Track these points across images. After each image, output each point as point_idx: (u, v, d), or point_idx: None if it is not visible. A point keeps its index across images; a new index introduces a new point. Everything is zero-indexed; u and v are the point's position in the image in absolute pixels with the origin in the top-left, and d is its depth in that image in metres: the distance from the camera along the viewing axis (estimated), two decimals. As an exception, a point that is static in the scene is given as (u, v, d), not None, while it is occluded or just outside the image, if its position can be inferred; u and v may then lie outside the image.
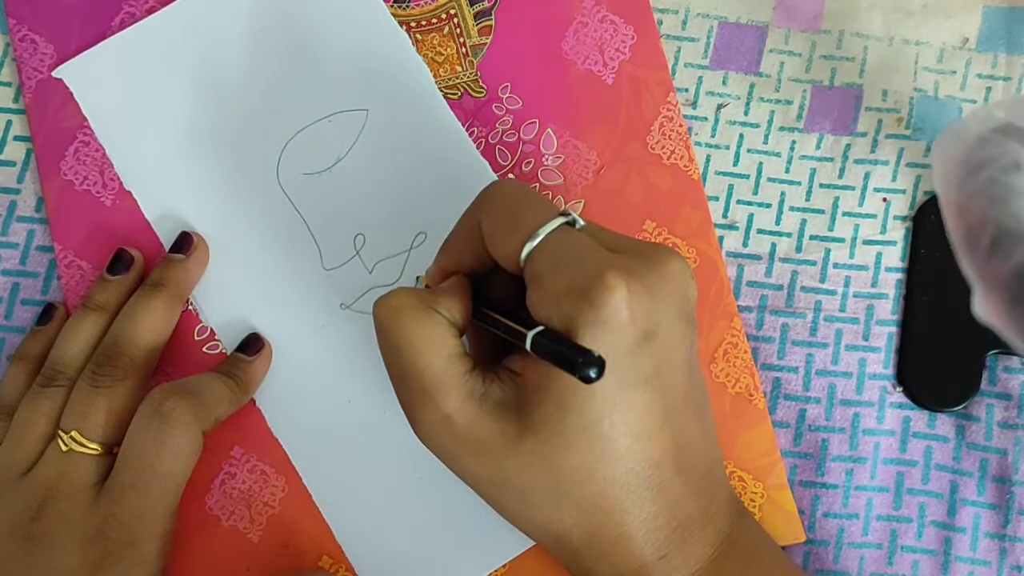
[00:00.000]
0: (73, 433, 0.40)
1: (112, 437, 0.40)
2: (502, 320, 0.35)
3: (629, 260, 0.34)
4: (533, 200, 0.36)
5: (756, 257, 0.45)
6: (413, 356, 0.35)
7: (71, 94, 0.46)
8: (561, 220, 0.35)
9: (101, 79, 0.46)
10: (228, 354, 0.44)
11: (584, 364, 0.31)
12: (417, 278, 0.42)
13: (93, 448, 0.40)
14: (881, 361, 0.44)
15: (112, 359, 0.41)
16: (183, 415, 0.39)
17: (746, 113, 0.46)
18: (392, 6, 0.47)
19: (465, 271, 0.38)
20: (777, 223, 0.45)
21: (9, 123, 0.47)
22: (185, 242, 0.44)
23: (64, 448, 0.40)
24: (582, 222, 0.36)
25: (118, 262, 0.43)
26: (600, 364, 0.31)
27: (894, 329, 0.44)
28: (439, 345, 0.35)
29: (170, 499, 0.39)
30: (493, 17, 0.47)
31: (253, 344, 0.43)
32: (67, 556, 0.38)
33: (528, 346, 0.33)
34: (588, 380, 0.31)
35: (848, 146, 0.46)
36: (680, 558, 0.36)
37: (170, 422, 0.39)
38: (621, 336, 0.33)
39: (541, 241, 0.34)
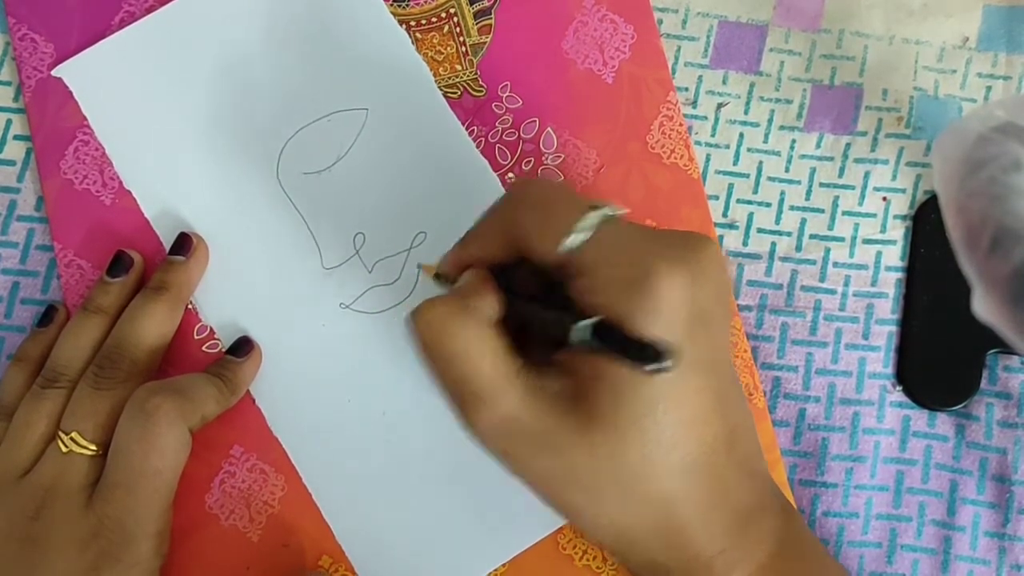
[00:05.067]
0: (73, 435, 0.40)
1: (111, 439, 0.40)
2: (550, 312, 0.35)
3: (672, 248, 0.34)
4: (570, 195, 0.37)
5: (756, 256, 0.45)
6: (462, 364, 0.34)
7: (71, 93, 0.46)
8: (605, 212, 0.35)
9: (101, 78, 0.46)
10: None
11: (660, 355, 0.31)
12: (418, 265, 0.42)
13: (93, 450, 0.40)
14: (881, 360, 0.44)
15: (115, 362, 0.41)
16: (168, 412, 0.39)
17: (746, 112, 0.46)
18: (392, 5, 0.47)
19: (483, 264, 0.38)
20: (777, 222, 0.45)
21: (9, 122, 0.47)
22: (185, 243, 0.44)
23: (64, 449, 0.40)
24: (622, 211, 0.36)
25: (118, 264, 0.43)
26: (673, 354, 0.31)
27: (894, 328, 0.44)
28: (486, 347, 0.34)
29: (161, 497, 0.39)
30: (493, 16, 0.47)
31: (243, 347, 0.43)
32: (64, 558, 0.38)
33: (589, 336, 0.33)
34: (664, 370, 0.31)
35: (848, 145, 0.46)
36: (741, 552, 0.35)
37: (155, 419, 0.39)
38: (673, 322, 0.33)
39: (589, 234, 0.34)
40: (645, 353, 0.31)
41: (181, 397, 0.40)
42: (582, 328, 0.33)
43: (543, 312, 0.35)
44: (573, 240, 0.34)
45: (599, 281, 0.34)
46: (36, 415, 0.41)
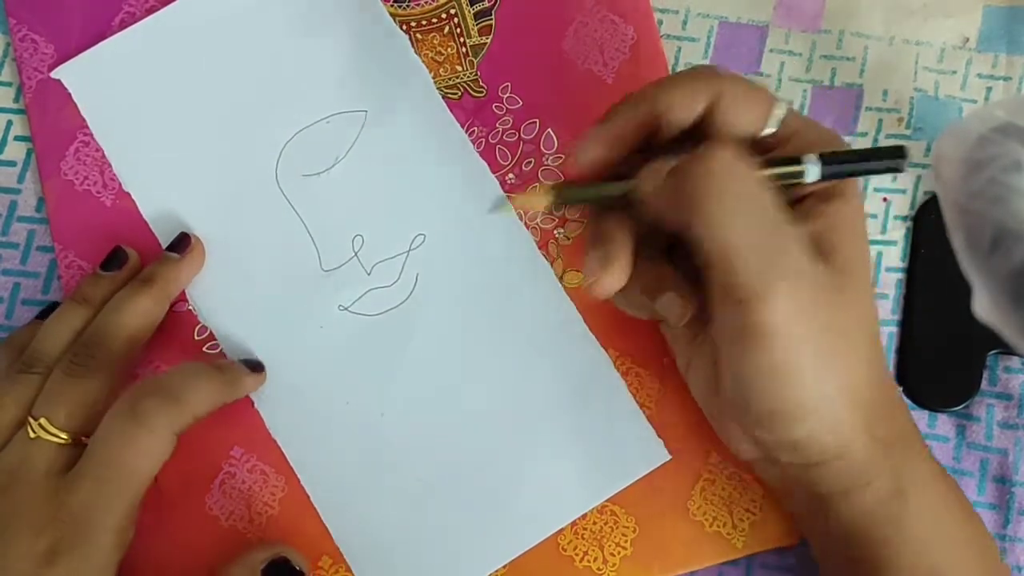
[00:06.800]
0: (42, 420, 0.39)
1: (81, 427, 0.40)
2: (777, 170, 0.36)
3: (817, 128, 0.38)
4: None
5: (756, 257, 0.45)
6: (767, 196, 0.34)
7: (71, 94, 0.46)
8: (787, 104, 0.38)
9: (100, 79, 0.46)
10: (227, 354, 0.44)
11: (900, 152, 0.35)
12: (502, 198, 0.39)
13: (60, 437, 0.39)
14: (881, 361, 0.44)
15: (90, 349, 0.41)
16: (156, 418, 0.39)
17: (746, 113, 0.46)
18: (392, 6, 0.47)
19: (638, 127, 0.38)
20: (777, 223, 0.45)
21: (10, 123, 0.47)
22: (183, 243, 0.44)
23: (31, 435, 0.39)
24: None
25: (113, 259, 0.44)
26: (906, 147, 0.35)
27: (894, 329, 0.44)
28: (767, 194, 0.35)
29: (130, 495, 0.39)
30: (493, 17, 0.47)
31: (253, 363, 0.43)
32: (20, 541, 0.37)
33: (813, 166, 0.35)
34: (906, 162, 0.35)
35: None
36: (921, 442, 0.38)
37: (142, 423, 0.38)
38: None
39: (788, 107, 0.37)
40: (893, 158, 0.35)
41: (173, 403, 0.39)
42: (812, 163, 0.35)
43: (783, 169, 0.36)
44: (782, 111, 0.37)
45: (805, 141, 0.37)
46: (6, 400, 0.40)
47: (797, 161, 0.36)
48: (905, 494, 0.36)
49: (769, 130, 0.37)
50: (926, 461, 0.38)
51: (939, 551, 0.36)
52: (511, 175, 0.45)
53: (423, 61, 0.46)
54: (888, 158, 0.36)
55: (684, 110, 0.36)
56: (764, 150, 0.37)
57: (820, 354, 0.34)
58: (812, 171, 0.36)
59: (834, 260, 0.35)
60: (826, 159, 0.36)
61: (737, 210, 0.34)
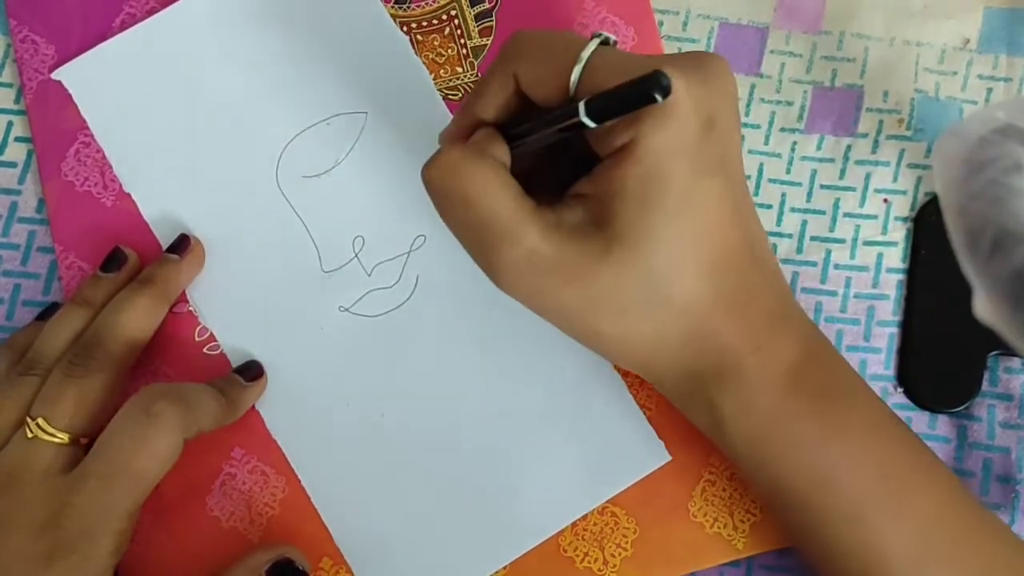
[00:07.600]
0: (40, 420, 0.39)
1: (79, 427, 0.39)
2: (544, 123, 0.35)
3: (679, 58, 0.35)
4: (563, 34, 0.37)
5: (757, 258, 0.45)
6: (481, 202, 0.35)
7: (71, 95, 0.46)
8: (598, 40, 0.35)
9: (100, 81, 0.46)
10: (228, 355, 0.44)
11: (655, 80, 0.30)
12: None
13: (58, 437, 0.39)
14: (882, 362, 0.44)
15: (90, 350, 0.41)
16: (170, 419, 0.38)
17: (747, 114, 0.46)
18: (392, 7, 0.47)
19: (485, 124, 0.38)
20: (778, 224, 0.45)
21: (10, 124, 0.47)
22: (182, 244, 0.44)
23: (29, 435, 0.39)
24: (615, 38, 0.36)
25: (112, 260, 0.44)
26: (666, 75, 0.31)
27: (895, 330, 0.44)
28: (504, 186, 0.35)
29: (135, 498, 0.38)
30: (494, 18, 0.47)
31: (252, 370, 0.43)
32: (19, 542, 0.37)
33: (584, 113, 0.32)
34: (665, 89, 0.30)
35: (849, 147, 0.46)
36: (771, 353, 0.36)
37: (157, 423, 0.38)
38: (686, 124, 0.33)
39: (588, 61, 0.35)
40: (643, 87, 0.31)
41: (186, 408, 0.39)
42: (581, 109, 0.32)
43: (547, 128, 0.35)
44: (578, 70, 0.35)
45: (605, 81, 0.34)
46: (7, 401, 0.40)
47: (576, 110, 0.33)
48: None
49: (574, 79, 0.35)
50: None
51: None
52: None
53: (424, 62, 0.46)
54: (646, 87, 0.31)
55: (496, 109, 0.37)
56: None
57: (592, 324, 0.36)
58: (584, 117, 0.33)
59: (608, 228, 0.34)
60: (588, 103, 0.33)
61: (453, 214, 0.36)
